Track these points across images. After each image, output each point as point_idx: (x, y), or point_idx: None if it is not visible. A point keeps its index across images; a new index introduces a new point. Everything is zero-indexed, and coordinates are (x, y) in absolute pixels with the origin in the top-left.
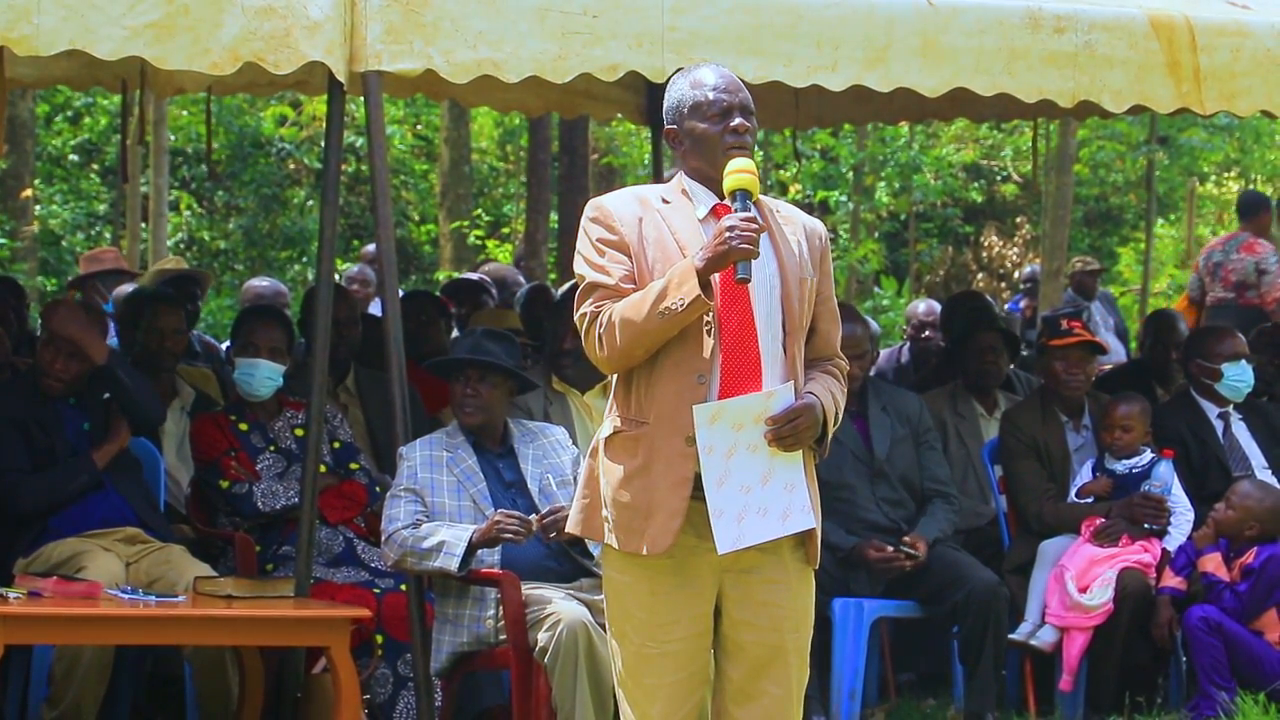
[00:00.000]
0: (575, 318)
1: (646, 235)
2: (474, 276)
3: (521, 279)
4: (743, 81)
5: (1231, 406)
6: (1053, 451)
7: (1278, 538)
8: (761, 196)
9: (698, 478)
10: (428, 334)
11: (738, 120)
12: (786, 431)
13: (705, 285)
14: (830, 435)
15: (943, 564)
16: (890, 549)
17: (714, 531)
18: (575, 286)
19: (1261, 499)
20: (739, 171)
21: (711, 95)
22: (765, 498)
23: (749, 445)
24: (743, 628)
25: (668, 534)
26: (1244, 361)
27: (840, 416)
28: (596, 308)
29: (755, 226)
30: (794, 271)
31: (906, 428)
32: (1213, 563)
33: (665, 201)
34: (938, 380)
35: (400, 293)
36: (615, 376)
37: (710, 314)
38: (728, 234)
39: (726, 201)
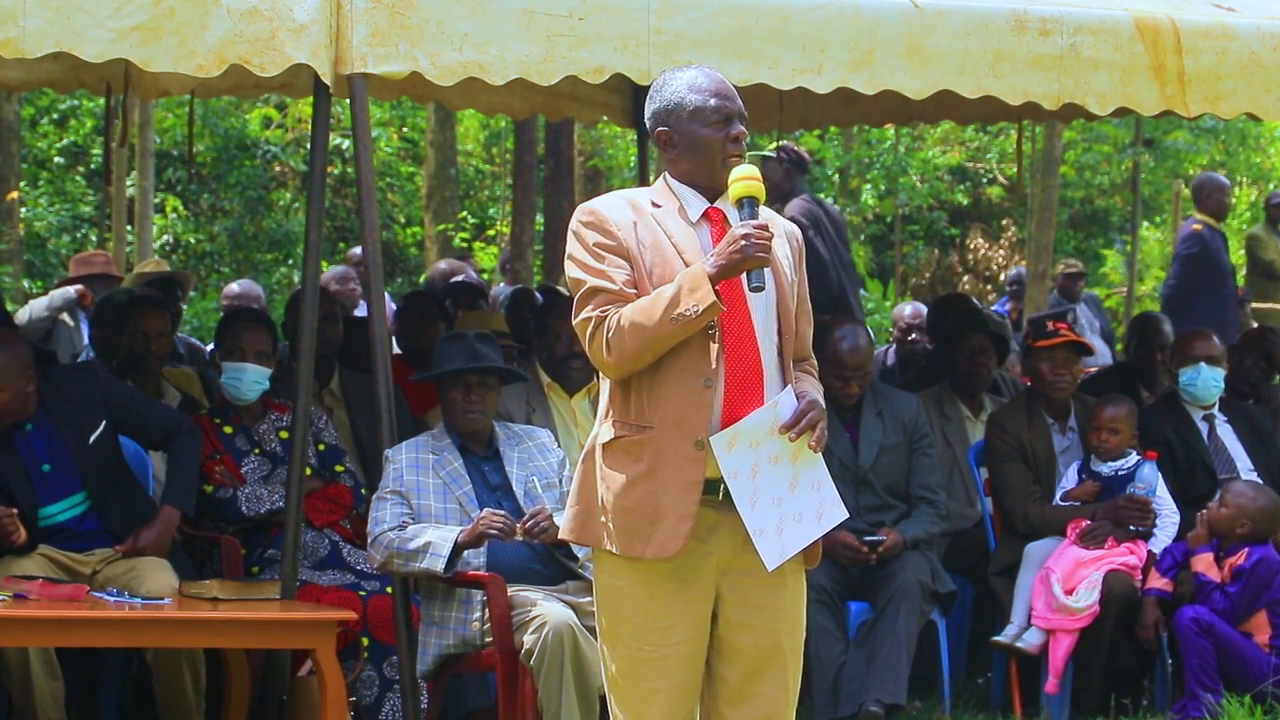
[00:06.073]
0: (575, 323)
1: (642, 239)
2: (462, 278)
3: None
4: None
5: (1216, 409)
6: (1039, 453)
7: (1268, 539)
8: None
9: (707, 482)
10: (426, 332)
11: (738, 128)
12: (807, 428)
13: (715, 292)
14: None
15: (888, 563)
16: (857, 541)
17: (759, 550)
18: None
19: (1254, 498)
20: (745, 179)
21: (714, 102)
22: (797, 503)
23: (770, 458)
24: (740, 630)
25: (677, 538)
26: (1203, 365)
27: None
28: (601, 313)
29: (768, 235)
30: (787, 277)
31: (900, 434)
32: (1204, 563)
33: (656, 205)
34: (923, 383)
35: (386, 296)
36: (607, 382)
37: (715, 319)
38: (743, 242)
39: (732, 208)
